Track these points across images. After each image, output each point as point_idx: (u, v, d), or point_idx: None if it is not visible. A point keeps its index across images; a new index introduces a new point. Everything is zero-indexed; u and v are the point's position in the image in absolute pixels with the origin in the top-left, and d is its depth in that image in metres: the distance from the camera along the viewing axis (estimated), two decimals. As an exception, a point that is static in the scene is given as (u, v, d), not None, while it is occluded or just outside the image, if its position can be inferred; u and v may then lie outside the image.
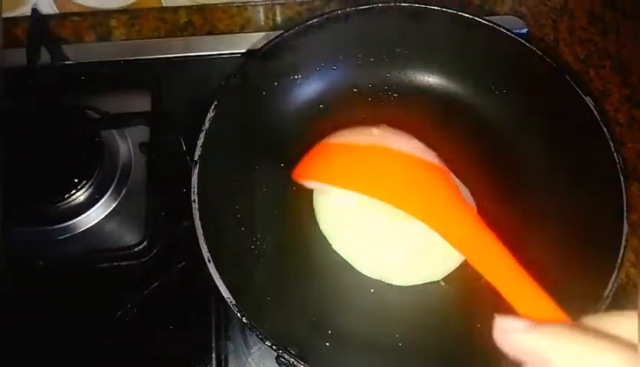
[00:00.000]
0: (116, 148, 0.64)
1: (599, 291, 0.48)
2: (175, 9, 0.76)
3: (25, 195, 0.59)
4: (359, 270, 0.56)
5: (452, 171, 0.55)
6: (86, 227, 0.60)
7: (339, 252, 0.56)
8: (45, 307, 0.57)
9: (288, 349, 0.46)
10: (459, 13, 0.59)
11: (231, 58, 0.71)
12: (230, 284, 0.47)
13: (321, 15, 0.59)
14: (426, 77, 0.65)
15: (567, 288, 0.49)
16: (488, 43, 0.60)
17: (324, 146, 0.56)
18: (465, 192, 0.58)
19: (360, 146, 0.54)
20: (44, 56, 0.66)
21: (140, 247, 0.58)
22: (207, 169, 0.52)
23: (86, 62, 0.70)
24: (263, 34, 0.72)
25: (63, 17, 0.75)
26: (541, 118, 0.60)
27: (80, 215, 0.60)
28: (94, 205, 0.61)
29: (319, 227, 0.57)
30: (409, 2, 0.60)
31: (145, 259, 0.59)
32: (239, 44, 0.72)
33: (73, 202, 0.60)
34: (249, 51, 0.70)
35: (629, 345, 0.29)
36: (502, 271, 0.43)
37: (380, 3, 0.60)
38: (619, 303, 0.58)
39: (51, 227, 0.60)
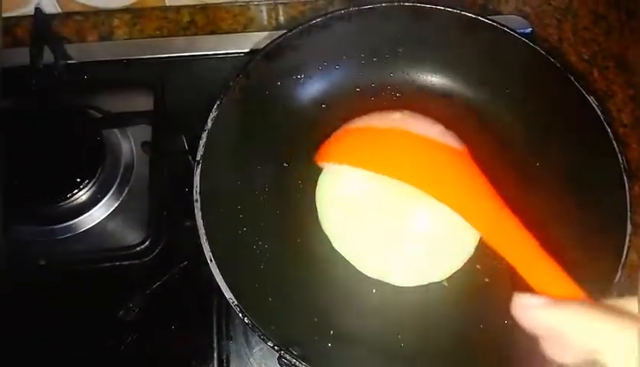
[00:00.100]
0: (119, 148, 0.64)
1: (603, 292, 0.47)
2: (178, 8, 0.75)
3: (27, 194, 0.59)
4: (361, 270, 0.56)
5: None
6: (88, 226, 0.60)
7: (341, 252, 0.56)
8: (46, 307, 0.57)
9: (290, 349, 0.46)
10: (463, 13, 0.59)
11: (234, 58, 0.71)
12: (231, 284, 0.47)
13: (325, 15, 0.59)
14: (429, 77, 0.64)
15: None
16: (491, 43, 0.60)
17: (348, 130, 0.57)
18: None
19: (382, 129, 0.55)
20: (47, 56, 0.66)
21: (142, 246, 0.58)
22: (210, 169, 0.52)
23: (88, 61, 0.70)
24: (266, 33, 0.72)
25: (65, 16, 0.75)
26: (545, 119, 0.59)
27: (81, 214, 0.60)
28: (96, 204, 0.61)
29: (322, 227, 0.57)
30: (413, 2, 0.60)
31: (147, 259, 0.59)
32: (242, 44, 0.71)
33: (75, 202, 0.60)
34: (252, 51, 0.70)
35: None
36: (521, 249, 0.44)
37: (384, 3, 0.60)
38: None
39: (53, 226, 0.60)
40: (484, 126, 0.62)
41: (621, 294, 0.53)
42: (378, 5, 0.60)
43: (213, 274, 0.47)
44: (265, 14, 0.76)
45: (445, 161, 0.53)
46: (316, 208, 0.58)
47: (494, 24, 0.59)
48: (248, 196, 0.57)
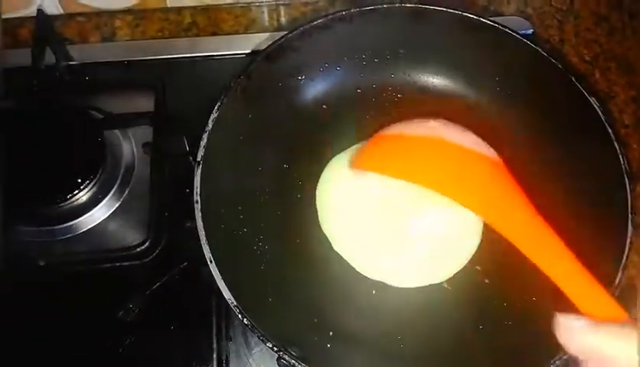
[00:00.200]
0: (119, 149, 0.64)
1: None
2: (179, 10, 0.76)
3: (28, 195, 0.59)
4: (360, 272, 0.56)
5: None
6: (89, 227, 0.60)
7: (341, 253, 0.56)
8: (46, 307, 0.57)
9: (289, 350, 0.46)
10: (464, 14, 0.59)
11: (235, 59, 0.71)
12: (231, 284, 0.47)
13: (326, 16, 0.59)
14: (431, 78, 0.64)
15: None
16: (492, 44, 0.60)
17: (383, 137, 0.56)
18: None
19: (419, 137, 0.54)
20: (49, 57, 0.66)
21: (142, 247, 0.58)
22: (210, 170, 0.52)
23: (90, 62, 0.70)
24: (268, 34, 0.72)
25: (68, 17, 0.75)
26: (547, 120, 0.59)
27: (82, 215, 0.60)
28: (97, 205, 0.61)
29: (322, 228, 0.57)
30: (414, 3, 0.60)
31: (148, 259, 0.59)
32: (243, 45, 0.71)
33: (75, 203, 0.60)
34: (253, 52, 0.70)
35: None
36: (564, 268, 0.43)
37: (385, 4, 0.60)
38: (624, 305, 0.57)
39: (54, 227, 0.60)
40: (485, 127, 0.62)
41: (622, 296, 0.54)
42: (379, 6, 0.60)
43: (213, 275, 0.47)
44: (266, 16, 0.76)
45: (483, 173, 0.52)
46: (316, 209, 0.58)
47: (496, 25, 0.59)
48: (248, 197, 0.57)
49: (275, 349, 0.46)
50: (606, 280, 0.47)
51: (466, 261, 0.55)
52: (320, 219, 0.57)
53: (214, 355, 0.55)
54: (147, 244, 0.58)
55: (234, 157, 0.56)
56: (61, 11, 0.75)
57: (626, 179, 0.51)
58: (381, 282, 0.55)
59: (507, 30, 0.59)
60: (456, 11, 0.59)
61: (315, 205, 0.58)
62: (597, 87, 0.71)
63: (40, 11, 0.68)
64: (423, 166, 0.52)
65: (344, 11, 0.59)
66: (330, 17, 0.59)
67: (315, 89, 0.63)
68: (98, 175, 0.61)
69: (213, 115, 0.54)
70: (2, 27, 0.62)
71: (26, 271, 0.58)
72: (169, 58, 0.71)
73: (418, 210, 0.54)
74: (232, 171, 0.56)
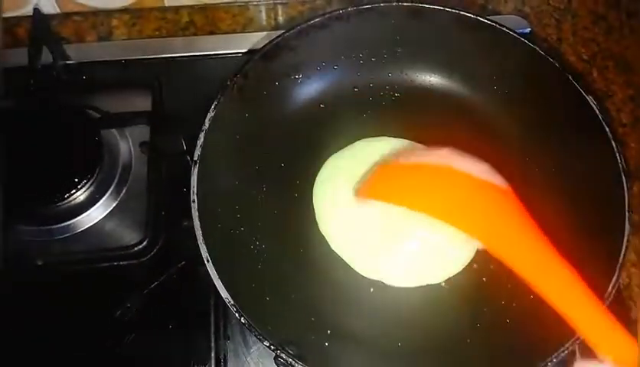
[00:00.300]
0: (117, 148, 0.64)
1: (601, 290, 0.47)
2: (177, 9, 0.75)
3: (25, 194, 0.59)
4: (358, 271, 0.56)
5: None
6: (86, 227, 0.60)
7: (338, 253, 0.56)
8: (44, 307, 0.57)
9: (287, 348, 0.46)
10: (461, 13, 0.59)
11: (233, 58, 0.70)
12: (228, 283, 0.47)
13: (323, 15, 0.59)
14: (428, 77, 0.64)
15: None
16: (490, 43, 0.60)
17: (392, 166, 0.56)
18: None
19: (427, 166, 0.53)
20: (46, 56, 0.66)
21: (140, 246, 0.58)
22: (207, 169, 0.52)
23: (87, 61, 0.70)
24: (265, 33, 0.72)
25: (64, 16, 0.75)
26: (544, 119, 0.59)
27: (80, 214, 0.60)
28: (94, 204, 0.61)
29: (319, 227, 0.57)
30: (411, 2, 0.60)
31: (145, 259, 0.59)
32: (240, 44, 0.71)
33: (73, 202, 0.60)
34: (250, 51, 0.70)
35: None
36: (577, 301, 0.42)
37: (382, 3, 0.60)
38: (621, 302, 0.58)
39: (51, 226, 0.60)
40: (483, 126, 0.62)
41: (619, 294, 0.54)
42: (376, 5, 0.60)
43: (210, 274, 0.47)
44: (264, 15, 0.76)
45: (492, 202, 0.50)
46: (314, 208, 0.58)
47: (493, 24, 0.59)
48: (246, 196, 0.57)
49: (273, 347, 0.46)
50: (604, 278, 0.48)
51: (466, 263, 0.55)
52: (317, 218, 0.58)
53: (212, 354, 0.55)
54: (145, 243, 0.58)
55: (231, 156, 0.56)
56: (58, 11, 0.75)
57: (623, 177, 0.51)
58: (379, 280, 0.55)
59: (504, 28, 0.59)
60: (454, 10, 0.59)
61: (312, 204, 0.58)
62: (595, 86, 0.71)
63: (36, 10, 0.68)
64: (430, 195, 0.52)
65: (342, 9, 0.59)
66: (327, 16, 0.59)
67: (312, 88, 0.63)
68: (95, 174, 0.60)
69: (210, 114, 0.54)
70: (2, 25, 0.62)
71: (24, 270, 0.58)
72: (166, 57, 0.71)
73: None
74: (229, 170, 0.56)
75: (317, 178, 0.59)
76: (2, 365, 0.55)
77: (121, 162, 0.63)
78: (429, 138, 0.61)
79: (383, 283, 0.55)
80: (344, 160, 0.60)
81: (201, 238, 0.49)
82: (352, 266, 0.56)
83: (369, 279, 0.55)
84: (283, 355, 0.45)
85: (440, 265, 0.56)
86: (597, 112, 0.54)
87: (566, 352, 0.45)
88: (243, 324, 0.46)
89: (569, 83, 0.56)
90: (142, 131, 0.64)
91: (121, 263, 0.58)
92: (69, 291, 0.57)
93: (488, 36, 0.60)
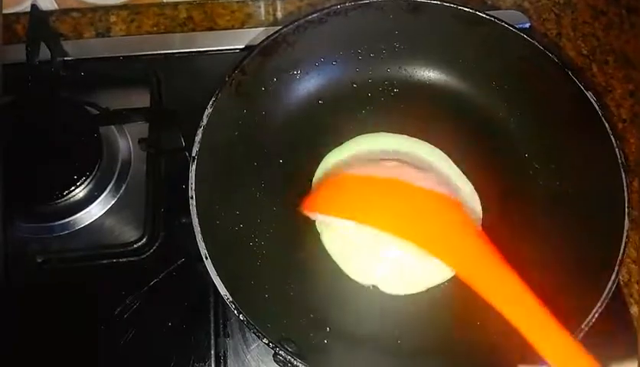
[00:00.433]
0: (116, 144, 0.64)
1: (601, 287, 0.47)
2: (175, 5, 0.75)
3: (24, 191, 0.58)
4: (353, 278, 0.55)
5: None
6: (86, 224, 0.60)
7: (332, 256, 0.56)
8: (43, 304, 0.57)
9: (286, 346, 0.46)
10: (460, 7, 0.59)
11: (231, 54, 0.70)
12: (227, 281, 0.47)
13: (321, 10, 0.59)
14: (426, 72, 0.64)
15: (569, 283, 0.49)
16: (489, 38, 0.60)
17: (338, 179, 0.56)
18: (474, 195, 0.58)
19: (373, 179, 0.53)
20: (44, 53, 0.66)
21: (139, 243, 0.58)
22: (206, 165, 0.52)
23: (85, 58, 0.69)
24: (263, 29, 0.72)
25: (62, 13, 0.74)
26: (542, 114, 0.59)
27: (79, 211, 0.60)
28: (93, 201, 0.60)
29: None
30: (410, -3, 0.60)
31: (145, 256, 0.59)
32: (239, 40, 0.71)
33: (72, 199, 0.60)
34: (248, 47, 0.70)
35: None
36: (528, 318, 0.42)
37: (381, -2, 0.60)
38: (620, 299, 0.58)
39: (50, 224, 0.60)
40: (481, 121, 0.62)
41: (619, 291, 0.54)
42: (375, 0, 0.60)
43: (209, 271, 0.47)
44: (262, 10, 0.76)
45: (437, 212, 0.51)
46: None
47: (492, 19, 0.59)
48: (244, 192, 0.57)
49: (272, 345, 0.45)
50: (603, 275, 0.48)
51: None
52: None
53: (212, 352, 0.55)
54: (144, 240, 0.58)
55: (229, 153, 0.56)
56: (56, 7, 0.75)
57: (623, 173, 0.51)
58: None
59: (503, 24, 0.59)
60: (452, 5, 0.59)
61: (310, 201, 0.58)
62: (595, 81, 0.70)
63: (34, 6, 0.67)
64: (375, 208, 0.52)
65: (340, 5, 0.59)
66: (325, 11, 0.59)
67: (311, 83, 0.63)
68: (94, 171, 0.60)
69: (208, 111, 0.54)
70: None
71: (23, 267, 0.58)
72: (165, 53, 0.71)
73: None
74: (227, 167, 0.56)
75: (315, 174, 0.59)
76: (1, 362, 0.55)
77: (120, 159, 0.63)
78: (427, 133, 0.61)
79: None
80: (343, 156, 0.60)
81: (200, 235, 0.49)
82: (347, 273, 0.55)
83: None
84: (282, 353, 0.45)
85: (435, 272, 0.55)
86: (597, 107, 0.54)
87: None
88: (242, 321, 0.46)
89: (569, 79, 0.55)
90: (141, 128, 0.64)
91: (120, 260, 0.58)
92: (68, 288, 0.57)
93: (487, 31, 0.59)
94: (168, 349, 0.55)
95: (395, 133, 0.62)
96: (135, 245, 0.58)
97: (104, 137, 0.62)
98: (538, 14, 0.75)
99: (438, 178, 0.54)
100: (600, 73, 0.71)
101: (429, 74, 0.64)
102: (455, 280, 0.55)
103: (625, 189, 0.51)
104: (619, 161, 0.51)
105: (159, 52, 0.71)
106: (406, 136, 0.61)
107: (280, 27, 0.59)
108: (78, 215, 0.60)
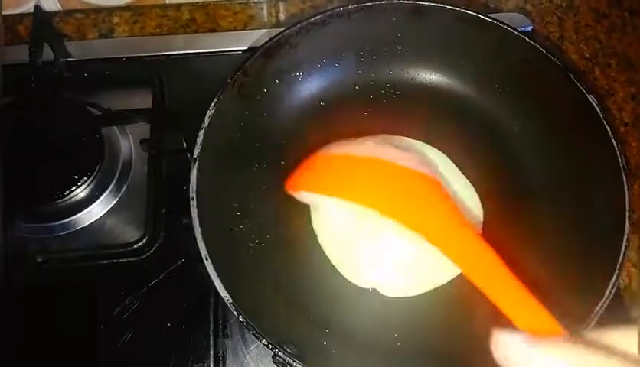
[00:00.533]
0: (117, 145, 0.64)
1: (601, 290, 0.47)
2: (178, 6, 0.75)
3: (25, 191, 0.59)
4: (351, 281, 0.55)
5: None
6: (87, 224, 0.60)
7: (329, 259, 0.56)
8: (43, 304, 0.57)
9: (285, 347, 0.46)
10: (462, 10, 0.59)
11: (233, 55, 0.71)
12: (227, 282, 0.47)
13: (324, 12, 0.59)
14: (429, 75, 0.64)
15: (569, 286, 0.49)
16: (491, 41, 0.60)
17: (318, 157, 0.55)
18: (475, 198, 0.58)
19: (354, 157, 0.52)
20: (47, 53, 0.66)
21: (140, 244, 0.58)
22: (206, 167, 0.52)
23: (88, 59, 0.70)
24: (266, 31, 0.72)
25: (66, 14, 0.75)
26: (544, 117, 0.59)
27: (80, 211, 0.60)
28: (94, 201, 0.61)
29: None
30: (413, 0, 0.60)
31: (145, 256, 0.59)
32: (241, 41, 0.71)
33: (73, 199, 0.60)
34: (250, 48, 0.70)
35: (625, 355, 0.29)
36: (500, 284, 0.42)
37: (383, 0, 0.60)
38: (621, 302, 0.57)
39: (51, 224, 0.60)
40: (483, 123, 0.62)
41: (619, 295, 0.54)
42: (378, 3, 0.60)
43: (209, 272, 0.47)
44: (265, 12, 0.76)
45: (417, 190, 0.50)
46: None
47: (495, 21, 0.58)
48: (245, 194, 0.57)
49: (271, 346, 0.45)
50: (604, 278, 0.48)
51: (459, 272, 0.55)
52: (312, 218, 0.58)
53: (211, 352, 0.55)
54: (144, 240, 0.58)
55: (231, 154, 0.56)
56: (59, 8, 0.75)
57: (624, 177, 0.51)
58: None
59: (505, 26, 0.58)
60: (455, 8, 0.59)
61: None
62: (597, 84, 0.70)
63: (37, 7, 0.68)
64: (356, 184, 0.51)
65: (342, 7, 0.59)
66: (328, 13, 0.59)
67: (313, 85, 0.62)
68: (96, 172, 0.60)
69: (210, 112, 0.54)
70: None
71: (23, 267, 0.58)
72: (167, 55, 0.71)
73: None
74: (229, 168, 0.56)
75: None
76: (1, 362, 0.55)
77: (121, 159, 0.63)
78: (429, 135, 0.61)
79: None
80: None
81: (200, 236, 0.48)
82: (344, 276, 0.55)
83: (368, 278, 0.55)
84: (281, 354, 0.45)
85: (435, 274, 0.55)
86: (598, 111, 0.53)
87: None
88: (242, 323, 0.46)
89: (571, 82, 0.55)
90: (143, 129, 0.64)
91: (120, 260, 0.58)
92: (68, 288, 0.57)
93: (490, 34, 0.59)
94: (167, 350, 0.55)
95: (397, 135, 0.61)
96: (135, 246, 0.58)
97: (106, 137, 0.63)
98: (541, 16, 0.75)
99: (420, 159, 0.54)
100: (602, 76, 0.71)
101: (432, 77, 0.64)
102: (454, 283, 0.55)
103: (626, 192, 0.50)
104: (621, 165, 0.51)
105: (162, 53, 0.71)
106: (407, 138, 0.61)
107: (283, 28, 0.59)
108: (79, 215, 0.60)
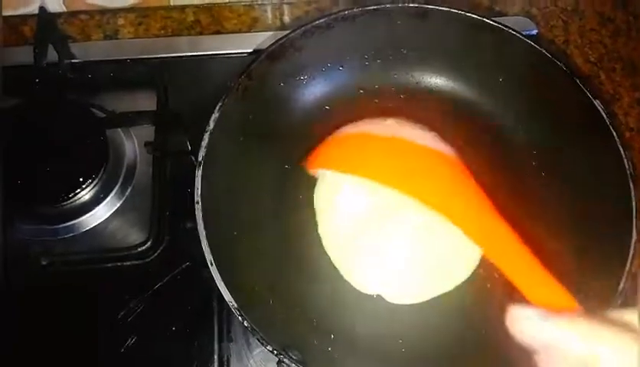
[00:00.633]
0: (122, 147, 0.64)
1: (608, 297, 0.47)
2: (183, 8, 0.75)
3: (30, 193, 0.59)
4: (355, 287, 0.55)
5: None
6: (91, 226, 0.60)
7: (334, 264, 0.56)
8: (47, 306, 0.57)
9: (289, 353, 0.46)
10: (467, 14, 0.59)
11: (238, 58, 0.70)
12: (232, 287, 0.47)
13: (328, 15, 0.59)
14: (434, 78, 0.64)
15: (575, 292, 0.48)
16: (496, 45, 0.60)
17: (338, 136, 0.56)
18: None
19: (373, 135, 0.54)
20: (51, 55, 0.66)
21: (144, 247, 0.58)
22: (211, 170, 0.52)
23: (92, 60, 0.70)
24: (271, 33, 0.72)
25: (70, 15, 0.75)
26: (550, 122, 0.59)
27: (84, 214, 0.60)
28: (99, 204, 0.61)
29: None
30: (417, 3, 0.59)
31: (149, 259, 0.59)
32: (246, 44, 0.71)
33: (77, 201, 0.60)
34: (255, 51, 0.70)
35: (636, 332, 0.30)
36: (516, 260, 0.44)
37: (388, 4, 0.60)
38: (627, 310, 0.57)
39: (56, 226, 0.60)
40: (488, 128, 0.62)
41: (626, 302, 0.53)
42: (382, 6, 0.59)
43: (214, 277, 0.47)
44: (269, 14, 0.76)
45: (436, 168, 0.52)
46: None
47: (500, 25, 0.58)
48: (249, 198, 0.57)
49: (275, 352, 0.45)
50: (611, 286, 0.47)
51: (471, 271, 0.55)
52: (318, 222, 0.57)
53: (215, 356, 0.55)
54: (149, 243, 0.58)
55: (236, 158, 0.56)
56: (64, 9, 0.75)
57: (630, 182, 0.51)
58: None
59: (510, 30, 0.58)
60: (460, 12, 0.59)
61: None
62: (602, 89, 0.70)
63: (42, 8, 0.68)
64: (377, 162, 0.52)
65: (347, 10, 0.59)
66: (333, 16, 0.59)
67: (317, 89, 0.62)
68: (100, 174, 0.60)
69: (215, 115, 0.54)
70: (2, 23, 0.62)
71: (28, 269, 0.58)
72: (172, 57, 0.71)
73: (420, 225, 0.53)
74: (233, 172, 0.55)
75: (315, 189, 0.58)
76: (3, 364, 0.55)
77: (126, 162, 0.63)
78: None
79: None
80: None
81: (205, 240, 0.48)
82: (349, 281, 0.55)
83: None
84: (286, 360, 0.45)
85: (443, 276, 0.55)
86: (604, 116, 0.53)
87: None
88: (247, 328, 0.46)
89: (576, 86, 0.55)
90: (148, 131, 0.64)
91: (125, 263, 0.58)
92: (72, 291, 0.57)
93: (495, 37, 0.59)
94: (171, 354, 0.56)
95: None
96: (139, 249, 0.58)
97: (110, 139, 0.63)
98: (546, 20, 0.75)
99: (437, 138, 0.55)
100: (608, 80, 0.71)
101: (437, 80, 0.64)
102: (458, 290, 0.54)
103: (633, 198, 0.50)
104: (627, 171, 0.51)
105: (166, 55, 0.71)
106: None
107: (287, 31, 0.58)
108: (83, 217, 0.60)
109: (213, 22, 0.75)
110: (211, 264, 0.47)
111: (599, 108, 0.54)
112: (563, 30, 0.75)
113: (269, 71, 0.58)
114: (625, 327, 0.31)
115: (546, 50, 0.57)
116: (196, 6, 0.75)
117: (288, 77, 0.61)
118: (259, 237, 0.55)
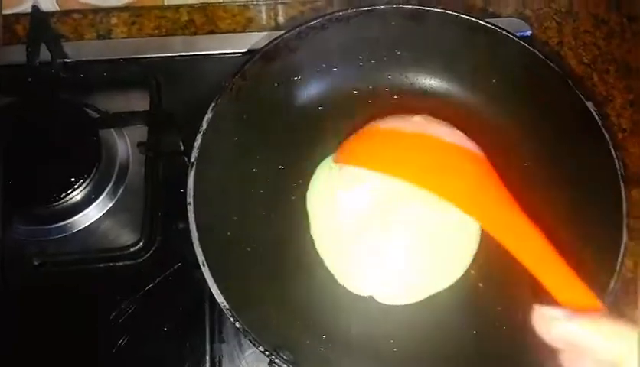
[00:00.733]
0: (114, 147, 0.64)
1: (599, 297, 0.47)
2: (177, 7, 0.75)
3: (22, 194, 0.58)
4: (348, 288, 0.55)
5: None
6: (83, 227, 0.60)
7: (327, 266, 0.56)
8: (39, 307, 0.57)
9: (281, 354, 0.46)
10: (461, 15, 0.59)
11: (232, 58, 0.70)
12: (223, 287, 0.47)
13: (323, 16, 0.59)
14: (428, 79, 0.64)
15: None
16: (490, 46, 0.60)
17: (367, 132, 0.56)
18: None
19: (402, 132, 0.54)
20: (44, 54, 0.66)
21: (136, 247, 0.58)
22: (204, 171, 0.52)
23: (85, 60, 0.69)
24: (265, 33, 0.72)
25: (63, 14, 0.74)
26: (543, 123, 0.59)
27: (76, 214, 0.60)
28: (91, 204, 0.60)
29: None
30: (412, 4, 0.59)
31: (141, 260, 0.58)
32: (240, 44, 0.71)
33: (69, 202, 0.59)
34: (249, 51, 0.70)
35: None
36: (544, 261, 0.44)
37: (383, 5, 0.59)
38: (617, 310, 0.57)
39: (47, 226, 0.60)
40: (482, 129, 0.61)
41: (616, 302, 0.54)
42: (377, 7, 0.59)
43: (206, 278, 0.47)
44: (264, 14, 0.76)
45: (465, 166, 0.52)
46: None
47: (493, 27, 0.58)
48: (243, 199, 0.56)
49: (267, 352, 0.45)
50: (600, 286, 0.47)
51: (462, 273, 0.55)
52: (310, 224, 0.57)
53: (207, 357, 0.55)
54: (141, 244, 0.58)
55: (229, 158, 0.56)
56: (57, 8, 0.74)
57: (621, 183, 0.51)
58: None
59: (504, 32, 0.58)
60: (454, 13, 0.59)
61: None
62: (595, 90, 0.70)
63: (35, 7, 0.67)
64: (404, 159, 0.52)
65: (342, 11, 0.59)
66: (327, 17, 0.59)
67: (311, 89, 0.62)
68: (92, 174, 0.60)
69: (208, 116, 0.53)
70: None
71: (19, 270, 0.57)
72: (165, 56, 0.70)
73: (414, 225, 0.54)
74: (226, 172, 0.55)
75: (310, 183, 0.59)
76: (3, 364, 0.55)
77: (118, 162, 0.63)
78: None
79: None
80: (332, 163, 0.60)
81: (197, 241, 0.48)
82: (341, 282, 0.55)
83: (365, 284, 0.55)
84: (278, 361, 0.45)
85: (435, 277, 0.55)
86: (597, 117, 0.53)
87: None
88: (239, 329, 0.46)
89: (569, 88, 0.55)
90: (140, 131, 0.64)
91: (117, 264, 0.58)
92: (64, 291, 0.57)
93: (488, 39, 0.59)
94: (163, 354, 0.55)
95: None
96: (131, 249, 0.58)
97: (103, 139, 0.62)
98: (539, 22, 0.75)
99: (463, 135, 0.55)
100: (601, 82, 0.71)
101: (431, 82, 0.64)
102: (451, 290, 0.55)
103: (624, 199, 0.50)
104: (619, 172, 0.51)
105: (160, 55, 0.71)
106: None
107: (282, 31, 0.58)
108: (75, 217, 0.60)
109: (208, 22, 0.75)
110: (203, 265, 0.47)
111: (591, 109, 0.54)
112: (557, 31, 0.75)
113: (264, 71, 0.58)
114: None
115: (539, 52, 0.57)
116: (190, 6, 0.75)
117: (282, 78, 0.60)
118: (252, 238, 0.55)
